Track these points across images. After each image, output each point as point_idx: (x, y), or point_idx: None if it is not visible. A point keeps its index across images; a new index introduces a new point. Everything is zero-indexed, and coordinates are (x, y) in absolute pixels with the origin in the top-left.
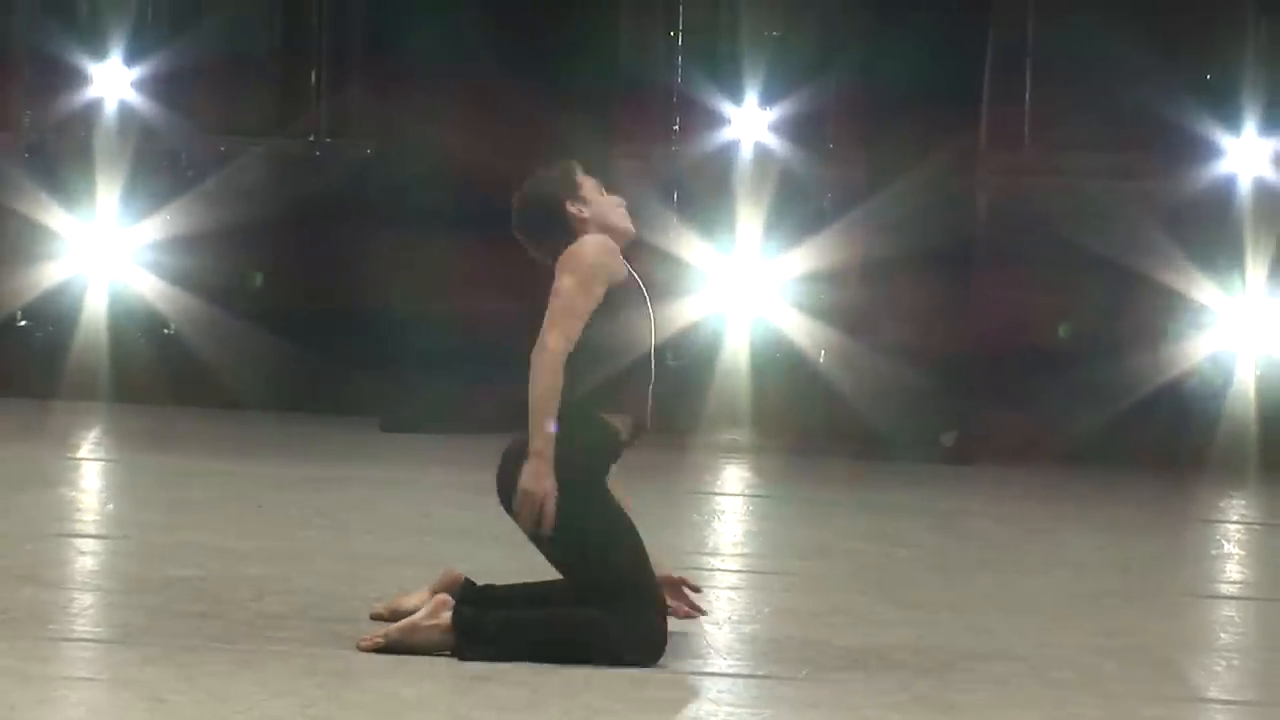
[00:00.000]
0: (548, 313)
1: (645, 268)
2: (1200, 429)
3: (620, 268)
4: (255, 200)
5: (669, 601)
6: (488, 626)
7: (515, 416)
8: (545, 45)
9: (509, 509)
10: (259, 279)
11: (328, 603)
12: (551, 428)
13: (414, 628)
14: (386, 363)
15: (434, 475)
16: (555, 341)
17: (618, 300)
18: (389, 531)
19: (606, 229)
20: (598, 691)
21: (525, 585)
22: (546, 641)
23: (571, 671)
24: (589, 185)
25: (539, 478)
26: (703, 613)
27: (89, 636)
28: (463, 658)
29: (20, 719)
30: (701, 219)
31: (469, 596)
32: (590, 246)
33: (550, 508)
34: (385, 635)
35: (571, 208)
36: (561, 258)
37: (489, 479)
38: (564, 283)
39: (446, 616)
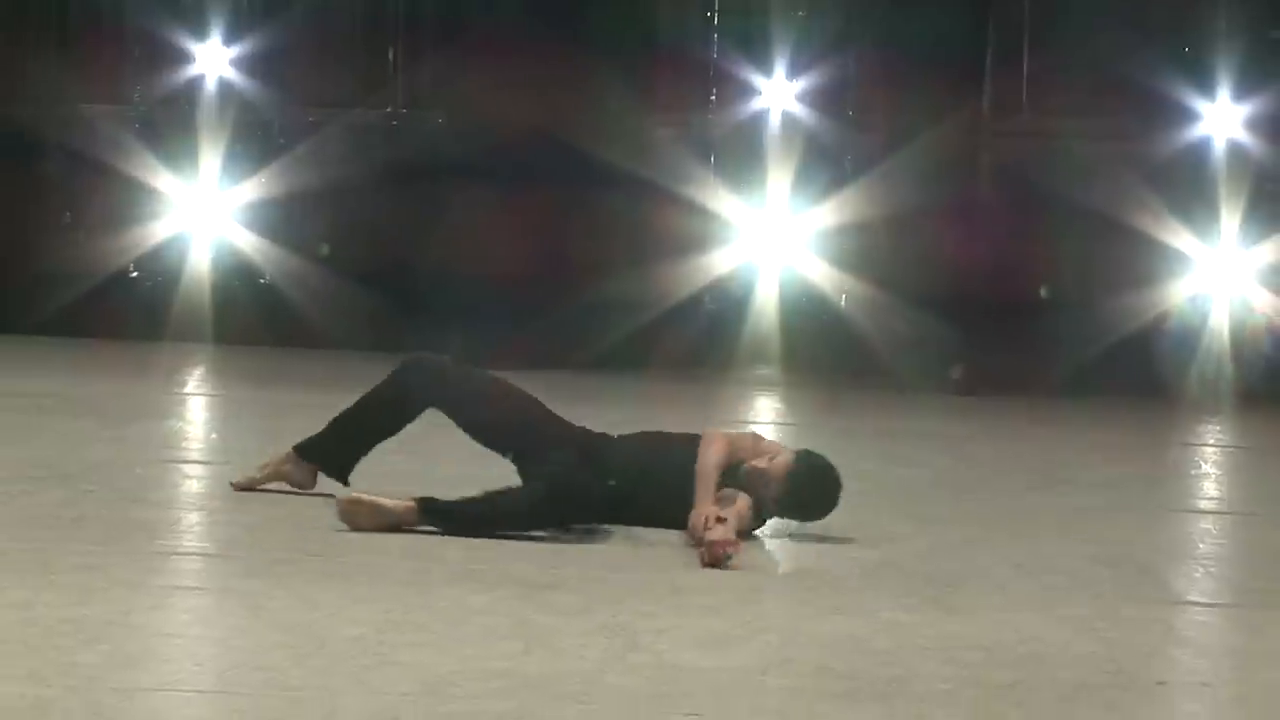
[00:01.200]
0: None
1: (685, 222)
2: (1180, 363)
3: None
4: (339, 165)
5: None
6: None
7: (555, 354)
8: (595, 25)
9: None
10: (325, 249)
11: None
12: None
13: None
14: (453, 307)
15: None
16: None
17: None
18: (463, 454)
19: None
20: (644, 598)
21: None
22: None
23: (621, 582)
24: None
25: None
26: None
27: (194, 550)
28: None
29: (134, 623)
30: (735, 179)
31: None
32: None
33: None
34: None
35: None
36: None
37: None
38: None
39: None
